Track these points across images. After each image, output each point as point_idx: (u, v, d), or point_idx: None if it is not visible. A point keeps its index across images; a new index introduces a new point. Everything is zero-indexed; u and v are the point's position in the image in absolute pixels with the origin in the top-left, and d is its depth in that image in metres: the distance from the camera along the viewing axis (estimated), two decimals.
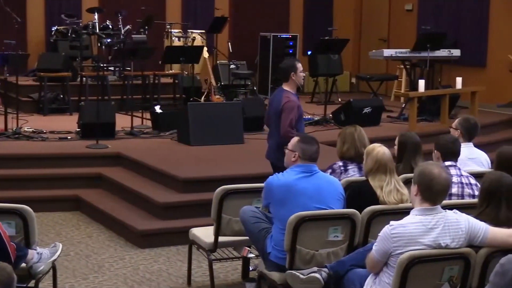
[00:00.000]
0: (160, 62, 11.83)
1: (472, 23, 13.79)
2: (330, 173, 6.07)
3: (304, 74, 7.62)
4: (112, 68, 13.28)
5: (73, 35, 12.90)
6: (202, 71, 13.30)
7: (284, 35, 14.91)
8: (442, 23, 14.13)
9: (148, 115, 10.97)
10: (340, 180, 5.72)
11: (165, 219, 7.62)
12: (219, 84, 12.92)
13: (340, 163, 6.22)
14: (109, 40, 13.06)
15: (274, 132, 7.33)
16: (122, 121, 10.52)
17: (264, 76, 14.71)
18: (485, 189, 4.62)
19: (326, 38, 13.07)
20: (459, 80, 11.57)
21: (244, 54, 14.43)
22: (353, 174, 6.14)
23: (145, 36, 12.85)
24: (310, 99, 14.09)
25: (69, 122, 10.77)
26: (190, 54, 11.28)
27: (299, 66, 7.39)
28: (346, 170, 6.19)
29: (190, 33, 13.69)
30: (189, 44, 13.28)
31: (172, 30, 13.85)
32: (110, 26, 13.35)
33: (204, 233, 6.10)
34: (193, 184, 8.00)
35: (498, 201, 4.51)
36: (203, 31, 13.90)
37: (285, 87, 7.41)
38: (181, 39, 13.67)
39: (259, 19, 15.61)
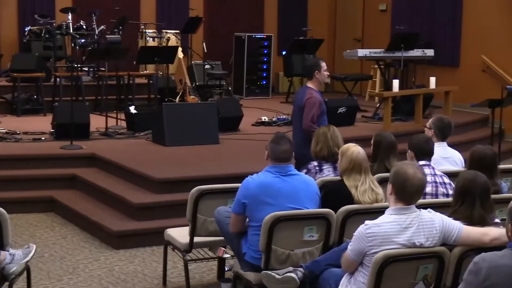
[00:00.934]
0: (134, 62, 11.80)
1: (445, 23, 13.87)
2: (305, 173, 6.09)
3: (328, 73, 7.88)
4: (86, 69, 13.22)
5: (47, 36, 12.82)
6: (177, 71, 13.27)
7: (258, 35, 14.91)
8: (416, 23, 14.20)
9: (122, 116, 10.93)
10: (315, 179, 5.74)
11: (140, 219, 7.59)
12: (194, 85, 12.91)
13: (315, 163, 6.24)
14: (83, 41, 13.00)
15: (298, 129, 7.51)
16: (96, 122, 10.47)
17: (239, 76, 14.71)
18: (459, 188, 4.65)
19: (301, 38, 13.10)
20: (432, 80, 11.63)
21: (219, 54, 14.42)
22: (328, 174, 6.16)
23: (119, 36, 12.80)
24: (285, 99, 14.10)
25: (43, 123, 10.70)
26: (165, 54, 11.26)
27: (323, 65, 7.73)
28: (321, 170, 6.21)
29: (164, 33, 13.67)
30: (164, 44, 13.25)
31: (147, 31, 13.82)
32: (84, 27, 13.28)
33: (180, 234, 6.09)
34: (168, 184, 7.99)
35: (472, 200, 4.53)
36: (178, 31, 13.88)
37: (309, 84, 7.76)
38: (156, 39, 13.64)
39: (234, 19, 15.60)
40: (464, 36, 13.55)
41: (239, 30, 14.86)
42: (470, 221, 4.47)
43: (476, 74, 13.16)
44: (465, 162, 6.73)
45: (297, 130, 7.71)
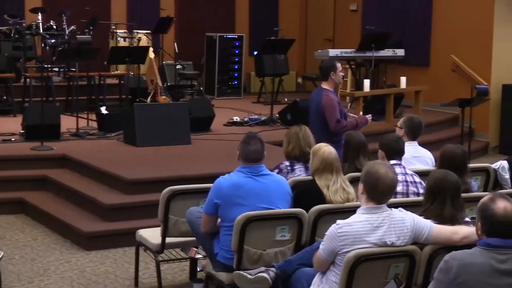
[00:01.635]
0: (105, 62, 11.75)
1: (415, 23, 13.95)
2: (277, 173, 6.09)
3: (343, 74, 8.04)
4: (56, 69, 13.11)
5: (16, 36, 12.70)
6: (148, 71, 13.23)
7: (230, 36, 14.91)
8: (386, 23, 14.26)
9: (93, 116, 10.87)
10: (287, 179, 5.75)
11: (112, 220, 7.56)
12: (165, 85, 12.87)
13: (287, 163, 6.25)
14: (53, 41, 12.90)
15: (314, 130, 7.56)
16: (67, 123, 10.40)
17: (210, 76, 14.70)
18: (430, 187, 4.68)
19: (272, 38, 13.09)
20: (403, 79, 11.70)
21: (190, 55, 14.39)
22: (299, 173, 6.17)
23: (90, 36, 12.71)
24: (256, 99, 14.11)
25: (13, 124, 10.62)
26: (136, 54, 11.22)
27: (339, 66, 7.88)
28: (293, 169, 6.22)
29: (135, 34, 13.60)
30: (135, 44, 13.19)
31: (117, 31, 13.76)
32: (54, 27, 13.18)
33: (151, 234, 6.08)
34: (139, 185, 7.96)
35: (442, 199, 4.56)
36: (149, 31, 13.82)
37: (324, 85, 7.87)
38: (127, 39, 13.58)
39: (205, 20, 15.59)
40: (434, 36, 13.64)
41: (211, 30, 14.85)
42: (440, 220, 4.50)
43: (446, 74, 13.25)
44: (435, 161, 6.77)
45: (313, 132, 7.71)
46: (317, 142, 6.81)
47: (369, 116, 8.15)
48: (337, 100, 7.81)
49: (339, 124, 7.72)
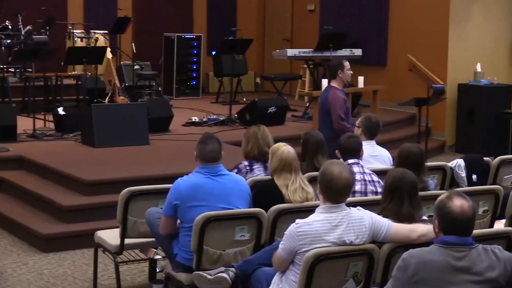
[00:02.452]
0: (62, 63, 11.64)
1: (372, 23, 14.04)
2: (236, 173, 6.10)
3: (351, 72, 8.18)
4: (12, 70, 12.97)
5: None
6: (106, 72, 13.14)
7: (188, 36, 14.87)
8: (344, 23, 14.34)
9: (50, 117, 10.77)
10: (246, 179, 5.75)
11: (70, 222, 7.50)
12: (123, 85, 12.80)
13: (246, 163, 6.26)
14: (8, 41, 12.76)
15: (322, 128, 7.87)
16: (24, 124, 10.29)
17: (168, 76, 14.64)
18: (388, 186, 4.72)
19: (230, 38, 13.09)
20: (361, 79, 11.75)
21: (148, 55, 14.32)
22: (258, 173, 6.18)
23: (46, 36, 12.59)
24: (215, 99, 14.10)
25: None
26: (93, 55, 11.14)
27: (346, 64, 8.07)
28: (252, 169, 6.23)
29: (92, 34, 13.52)
30: (92, 44, 13.11)
31: (74, 31, 13.64)
32: (10, 27, 13.03)
33: (110, 236, 6.04)
34: (98, 186, 7.91)
35: (400, 197, 4.60)
36: (106, 31, 13.74)
37: (333, 84, 8.08)
38: (84, 39, 13.48)
39: (163, 20, 15.53)
40: (391, 36, 13.74)
41: (169, 30, 14.79)
42: (398, 218, 4.54)
43: (403, 74, 13.36)
44: (393, 160, 6.83)
45: (321, 130, 7.80)
46: (325, 139, 6.94)
47: None
48: (343, 98, 7.97)
49: (342, 123, 7.87)
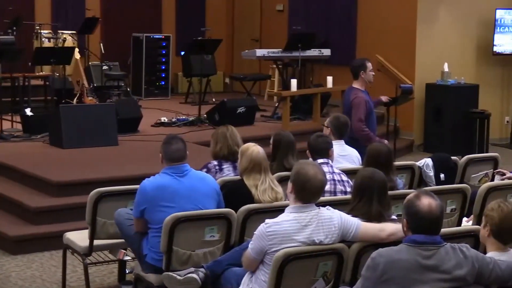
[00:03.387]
0: (30, 63, 11.55)
1: (341, 23, 14.09)
2: (205, 172, 6.12)
3: (373, 73, 8.25)
4: None
5: None
6: (74, 72, 13.05)
7: (156, 36, 14.82)
8: (312, 23, 14.38)
9: (18, 118, 10.69)
10: (215, 179, 5.76)
11: (38, 224, 7.45)
12: (91, 86, 12.72)
13: (215, 162, 6.26)
14: None
15: None
16: None
17: (137, 77, 14.59)
18: (357, 185, 4.74)
19: (199, 38, 13.09)
20: (329, 79, 11.82)
21: (117, 55, 14.25)
22: (228, 173, 6.18)
23: (13, 37, 12.49)
24: (184, 100, 14.07)
25: None
26: (61, 55, 11.07)
27: (369, 65, 8.16)
28: (221, 169, 6.23)
29: (60, 34, 13.42)
30: (60, 45, 13.01)
31: (42, 31, 13.54)
32: None
33: (79, 237, 6.01)
34: (66, 187, 7.86)
35: (369, 197, 4.62)
36: (74, 32, 13.67)
37: (355, 84, 8.16)
38: (52, 40, 13.39)
39: (131, 20, 15.46)
40: (359, 36, 13.80)
41: (137, 30, 14.73)
42: (367, 218, 4.56)
43: None
44: (362, 159, 6.86)
45: None
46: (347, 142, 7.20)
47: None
48: (365, 99, 8.03)
49: (360, 125, 7.95)
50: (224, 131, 6.33)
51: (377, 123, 8.65)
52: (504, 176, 6.77)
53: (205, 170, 6.18)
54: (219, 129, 6.41)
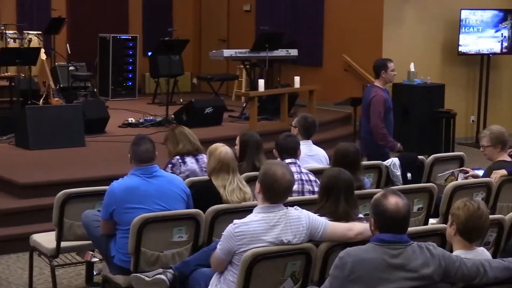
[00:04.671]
0: None
1: (308, 23, 14.13)
2: (171, 168, 6.22)
3: (395, 73, 8.47)
4: None
5: None
6: (40, 73, 12.94)
7: (123, 36, 14.75)
8: (280, 23, 14.41)
9: None
10: (180, 172, 5.80)
11: (4, 226, 7.39)
12: (58, 87, 12.63)
13: (178, 157, 6.36)
14: None
15: (364, 124, 8.34)
16: None
17: (104, 77, 14.50)
18: (324, 185, 4.77)
19: (166, 39, 13.04)
20: (297, 79, 11.85)
21: (83, 56, 14.15)
22: (191, 165, 6.29)
23: None
24: (151, 100, 14.02)
25: None
26: (27, 55, 10.98)
27: (390, 65, 8.33)
28: (184, 162, 6.36)
29: (26, 34, 13.30)
30: (26, 45, 12.90)
31: (7, 32, 13.41)
32: None
33: (46, 239, 5.96)
34: (33, 189, 7.80)
35: (336, 196, 4.65)
36: (40, 32, 13.55)
37: (376, 83, 8.39)
38: (17, 40, 13.26)
39: (98, 20, 15.38)
40: (326, 36, 13.85)
41: (104, 31, 14.65)
42: (335, 217, 4.58)
43: (339, 73, 13.47)
44: (329, 159, 6.88)
45: (364, 128, 8.45)
46: (364, 138, 7.90)
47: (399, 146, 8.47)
48: (385, 98, 8.25)
49: (379, 122, 8.16)
50: (182, 130, 6.54)
51: (342, 123, 8.75)
52: (467, 174, 6.84)
53: (170, 166, 6.23)
54: (175, 130, 6.57)
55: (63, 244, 5.79)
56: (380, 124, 8.18)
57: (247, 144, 6.32)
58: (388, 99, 8.36)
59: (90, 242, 5.64)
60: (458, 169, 7.10)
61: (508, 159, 6.62)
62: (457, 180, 6.90)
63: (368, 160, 7.62)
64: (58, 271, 6.12)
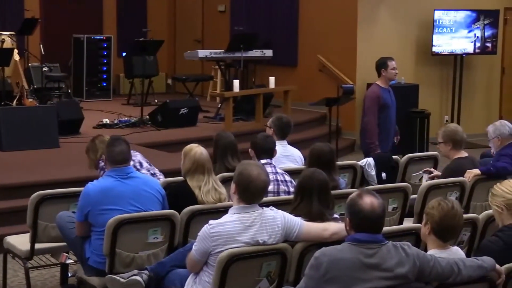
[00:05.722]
0: None
1: (283, 24, 14.15)
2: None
3: (396, 71, 8.60)
4: None
5: None
6: (13, 74, 12.86)
7: (97, 37, 14.69)
8: (254, 24, 14.42)
9: None
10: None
11: None
12: (31, 87, 12.55)
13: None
14: None
15: (361, 123, 8.57)
16: None
17: (78, 78, 14.42)
18: (298, 185, 4.78)
19: (141, 39, 13.01)
20: (272, 79, 11.87)
21: (57, 56, 14.08)
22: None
23: None
24: (126, 101, 13.97)
25: None
26: (0, 56, 10.90)
27: (391, 63, 8.47)
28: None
29: None
30: None
31: None
32: None
33: (20, 241, 5.92)
34: (6, 190, 7.75)
35: (310, 196, 4.66)
36: (13, 32, 13.45)
37: (377, 82, 8.54)
38: None
39: (72, 21, 15.30)
40: (301, 37, 13.88)
41: (78, 31, 14.58)
42: (310, 217, 4.59)
43: (313, 74, 13.50)
44: (305, 159, 6.90)
45: (360, 125, 8.73)
46: (360, 134, 8.00)
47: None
48: (378, 95, 8.40)
49: (369, 119, 8.34)
50: (102, 139, 6.36)
51: (317, 123, 8.78)
52: (431, 175, 6.89)
53: (102, 172, 6.15)
54: (95, 141, 6.51)
55: (38, 246, 5.75)
56: (371, 121, 8.27)
57: (218, 145, 6.32)
58: (385, 97, 8.42)
59: (64, 243, 5.61)
60: (423, 169, 7.13)
61: (465, 154, 6.68)
62: (421, 181, 6.95)
63: (365, 157, 7.67)
64: (32, 273, 6.08)
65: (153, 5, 16.55)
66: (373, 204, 3.87)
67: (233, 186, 4.49)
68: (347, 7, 12.86)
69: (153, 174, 6.28)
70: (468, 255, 4.83)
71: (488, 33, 13.27)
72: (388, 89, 8.58)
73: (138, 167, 6.28)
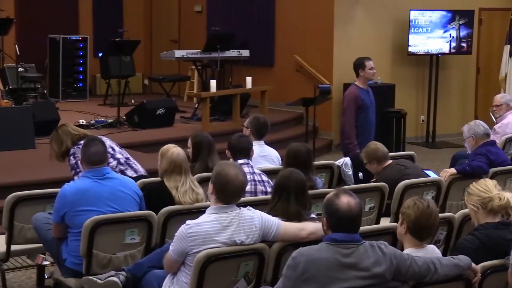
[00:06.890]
0: None
1: (259, 24, 14.15)
2: (74, 156, 6.28)
3: (374, 71, 8.58)
4: None
5: None
6: None
7: (73, 37, 14.61)
8: (231, 24, 14.41)
9: None
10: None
11: None
12: (7, 88, 12.47)
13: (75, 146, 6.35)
14: None
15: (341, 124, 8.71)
16: None
17: (54, 78, 14.35)
18: (276, 185, 4.80)
19: (117, 39, 12.97)
20: (249, 80, 11.87)
21: (33, 57, 13.98)
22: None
23: None
24: (103, 102, 13.92)
25: None
26: None
27: (368, 63, 8.46)
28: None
29: None
30: None
31: None
32: None
33: None
34: None
35: (287, 196, 4.67)
36: None
37: (356, 82, 8.53)
38: None
39: (47, 21, 15.21)
40: (278, 37, 13.89)
41: (53, 31, 14.50)
42: (287, 217, 4.60)
43: (290, 74, 13.52)
44: (282, 159, 6.91)
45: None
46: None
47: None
48: (356, 95, 8.39)
49: (347, 119, 8.38)
50: (65, 129, 6.51)
51: (294, 123, 8.80)
52: None
53: (72, 157, 6.27)
54: (58, 131, 6.57)
55: (14, 247, 5.72)
56: (349, 121, 8.31)
57: (199, 145, 6.32)
58: (362, 97, 8.44)
59: (41, 245, 5.58)
60: None
61: (389, 161, 6.72)
62: None
63: (344, 156, 7.69)
64: (8, 274, 6.05)
65: (129, 5, 16.50)
66: (350, 203, 3.89)
67: (210, 186, 4.49)
68: (323, 7, 12.89)
69: (127, 158, 6.33)
70: (444, 254, 4.86)
71: (463, 33, 13.35)
72: (367, 89, 8.60)
73: (111, 151, 6.31)
